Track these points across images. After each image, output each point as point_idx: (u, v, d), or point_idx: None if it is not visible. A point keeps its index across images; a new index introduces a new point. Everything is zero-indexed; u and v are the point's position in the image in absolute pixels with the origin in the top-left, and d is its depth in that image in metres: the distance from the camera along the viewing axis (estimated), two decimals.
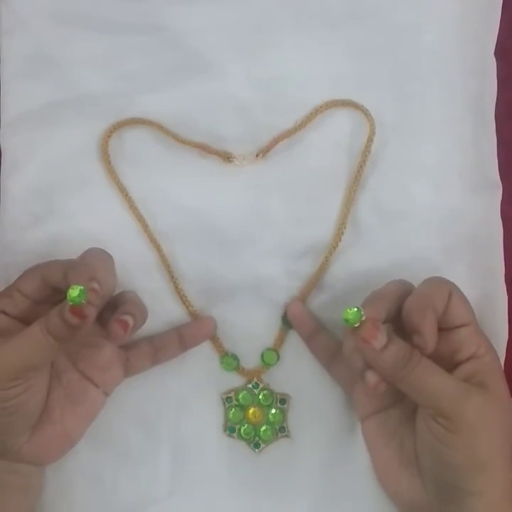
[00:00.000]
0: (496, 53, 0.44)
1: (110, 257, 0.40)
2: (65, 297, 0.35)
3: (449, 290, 0.37)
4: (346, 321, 0.35)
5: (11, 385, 0.36)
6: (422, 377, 0.35)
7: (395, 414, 0.40)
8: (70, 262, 0.38)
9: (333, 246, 0.44)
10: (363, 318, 0.35)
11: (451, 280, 0.38)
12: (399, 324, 0.38)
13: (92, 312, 0.35)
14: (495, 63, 0.44)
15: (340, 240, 0.44)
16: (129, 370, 0.42)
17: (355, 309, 0.35)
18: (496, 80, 0.45)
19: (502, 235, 0.44)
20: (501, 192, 0.45)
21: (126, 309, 0.39)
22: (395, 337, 0.36)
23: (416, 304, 0.37)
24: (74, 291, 0.34)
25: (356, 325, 0.35)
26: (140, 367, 0.43)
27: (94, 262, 0.39)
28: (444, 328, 0.37)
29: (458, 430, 0.35)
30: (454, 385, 0.35)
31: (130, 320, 0.39)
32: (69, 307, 0.35)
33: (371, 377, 0.36)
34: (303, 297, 0.44)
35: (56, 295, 0.38)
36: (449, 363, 0.37)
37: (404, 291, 0.38)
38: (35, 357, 0.36)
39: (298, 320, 0.43)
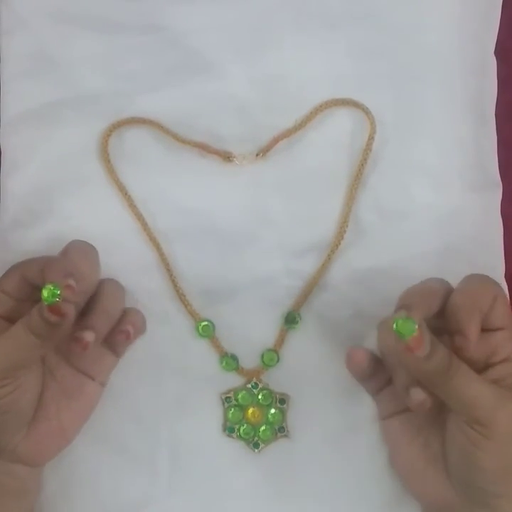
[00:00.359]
0: (496, 53, 0.45)
1: (93, 248, 0.40)
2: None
3: (496, 292, 0.36)
4: (399, 333, 0.33)
5: (0, 385, 0.36)
6: (459, 385, 0.35)
7: (421, 414, 0.39)
8: (47, 259, 0.38)
9: (336, 245, 0.44)
10: (416, 331, 0.33)
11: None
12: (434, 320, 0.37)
13: (69, 309, 0.35)
14: (495, 63, 0.45)
15: (342, 238, 0.44)
16: (119, 351, 0.42)
17: (409, 321, 0.33)
18: (496, 80, 0.45)
19: (502, 233, 0.44)
20: (501, 191, 0.45)
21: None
22: (437, 344, 0.35)
23: (463, 303, 0.36)
24: (45, 291, 0.34)
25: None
26: (127, 343, 0.42)
27: (75, 256, 0.39)
28: (483, 329, 0.36)
29: (491, 436, 0.35)
30: (489, 393, 0.35)
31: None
32: (46, 306, 0.34)
33: (418, 394, 0.36)
34: (304, 297, 0.44)
35: (37, 293, 0.37)
36: (481, 364, 0.36)
37: (444, 290, 0.37)
38: (20, 356, 0.36)
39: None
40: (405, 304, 0.36)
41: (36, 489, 0.42)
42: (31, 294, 0.39)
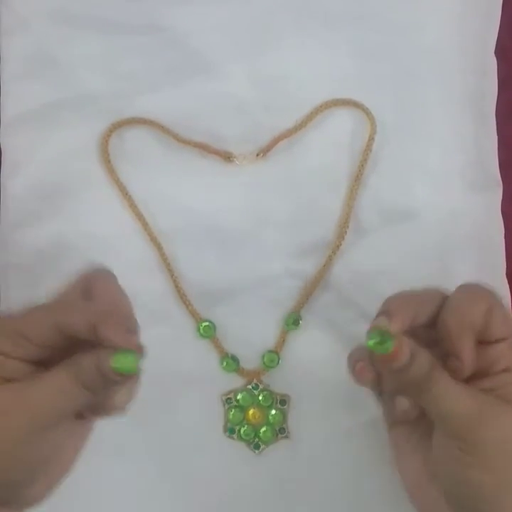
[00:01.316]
0: (496, 53, 0.45)
1: (115, 277, 0.36)
2: (106, 358, 0.30)
3: (489, 304, 0.33)
4: (374, 348, 0.31)
5: (42, 437, 0.32)
6: (439, 396, 0.32)
7: (420, 425, 0.36)
8: (96, 313, 0.32)
9: (337, 245, 0.44)
10: (392, 347, 0.31)
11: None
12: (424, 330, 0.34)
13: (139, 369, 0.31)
14: (495, 62, 0.45)
15: (343, 239, 0.44)
16: None
17: (385, 337, 0.31)
18: (496, 80, 0.45)
19: (503, 233, 0.44)
20: (502, 190, 0.45)
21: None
22: (418, 353, 0.32)
23: (453, 323, 0.33)
24: (125, 362, 0.30)
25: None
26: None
27: (113, 297, 0.34)
28: (479, 342, 0.33)
29: (473, 451, 0.32)
30: (473, 406, 0.32)
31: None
32: (113, 370, 0.31)
33: (402, 404, 0.34)
34: (305, 298, 0.44)
35: (67, 340, 0.33)
36: (479, 374, 0.33)
37: (436, 299, 0.34)
38: (66, 406, 0.32)
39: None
40: (386, 310, 0.33)
41: None
42: (61, 343, 0.33)
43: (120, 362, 0.30)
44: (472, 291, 0.34)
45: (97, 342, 0.31)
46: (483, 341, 0.33)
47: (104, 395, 0.33)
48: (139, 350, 0.31)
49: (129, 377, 0.31)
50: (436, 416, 0.33)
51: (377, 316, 0.33)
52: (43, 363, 0.33)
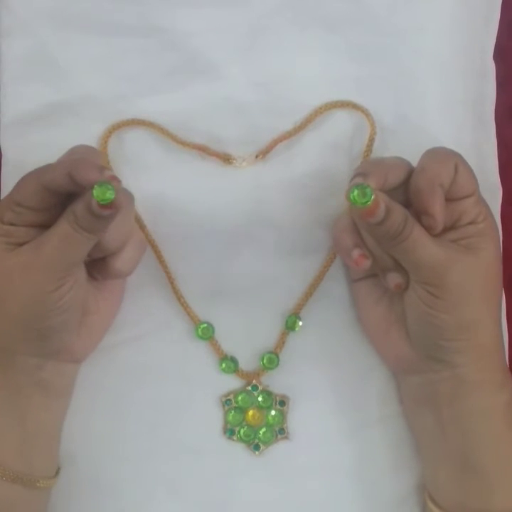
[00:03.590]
0: (495, 54, 0.45)
1: (96, 150, 0.41)
2: (91, 195, 0.34)
3: (455, 163, 0.37)
4: (354, 201, 0.34)
5: (61, 283, 0.36)
6: (410, 246, 0.36)
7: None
8: (69, 163, 0.36)
9: None
10: (371, 199, 0.34)
11: None
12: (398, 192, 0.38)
13: (121, 200, 0.35)
14: (494, 66, 0.45)
15: None
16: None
17: (364, 190, 0.34)
18: (495, 83, 0.45)
19: (501, 237, 0.44)
20: (501, 194, 0.45)
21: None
22: (393, 209, 0.35)
23: (424, 183, 0.36)
24: (103, 192, 0.34)
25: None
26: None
27: (88, 155, 0.39)
28: (448, 199, 0.37)
29: (441, 295, 0.36)
30: (441, 254, 0.36)
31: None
32: (97, 204, 0.34)
33: (394, 278, 0.38)
34: (306, 298, 0.44)
35: (56, 199, 0.37)
36: (447, 228, 0.38)
37: (405, 165, 0.38)
38: (74, 252, 0.36)
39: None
40: (361, 172, 0.37)
41: (73, 388, 0.42)
42: (52, 201, 0.37)
43: (99, 192, 0.34)
44: (439, 152, 0.38)
45: (80, 189, 0.35)
46: (451, 199, 0.37)
47: (103, 241, 0.38)
48: (113, 180, 0.35)
49: (113, 209, 0.35)
50: (409, 264, 0.37)
51: (353, 178, 0.37)
52: (48, 226, 0.37)
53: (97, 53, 0.44)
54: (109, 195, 0.34)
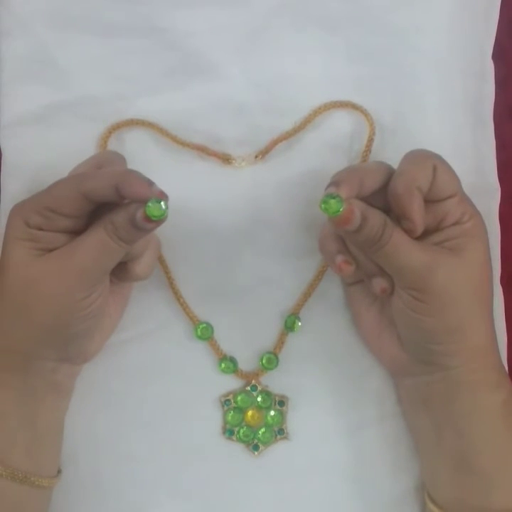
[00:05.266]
0: (495, 54, 0.45)
1: (122, 157, 0.41)
2: (143, 211, 0.34)
3: (433, 165, 0.36)
4: (326, 210, 0.35)
5: (92, 291, 0.36)
6: (391, 252, 0.36)
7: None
8: (117, 174, 0.36)
9: None
10: (342, 208, 0.34)
11: None
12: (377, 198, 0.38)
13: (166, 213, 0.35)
14: (493, 66, 0.45)
15: None
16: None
17: (335, 200, 0.34)
18: (493, 84, 0.45)
19: (500, 237, 0.45)
20: (500, 195, 0.45)
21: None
22: (370, 215, 0.35)
23: (401, 187, 0.36)
24: (157, 209, 0.34)
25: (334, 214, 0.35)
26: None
27: (118, 163, 0.40)
28: (430, 201, 0.37)
29: (426, 299, 0.36)
30: (424, 257, 0.36)
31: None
32: (142, 218, 0.34)
33: (379, 283, 0.38)
34: (305, 298, 0.44)
35: (91, 206, 0.37)
36: (431, 230, 0.37)
37: (383, 169, 0.38)
38: (108, 261, 0.36)
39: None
40: (334, 181, 0.36)
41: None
42: (87, 209, 0.37)
43: (152, 209, 0.34)
44: (416, 155, 0.37)
45: (121, 200, 0.35)
46: (432, 200, 0.37)
47: (132, 253, 0.38)
48: (164, 197, 0.35)
49: (159, 224, 0.35)
50: (392, 270, 0.37)
51: (327, 187, 0.37)
52: (77, 233, 0.37)
53: (96, 53, 0.44)
54: (162, 212, 0.34)
